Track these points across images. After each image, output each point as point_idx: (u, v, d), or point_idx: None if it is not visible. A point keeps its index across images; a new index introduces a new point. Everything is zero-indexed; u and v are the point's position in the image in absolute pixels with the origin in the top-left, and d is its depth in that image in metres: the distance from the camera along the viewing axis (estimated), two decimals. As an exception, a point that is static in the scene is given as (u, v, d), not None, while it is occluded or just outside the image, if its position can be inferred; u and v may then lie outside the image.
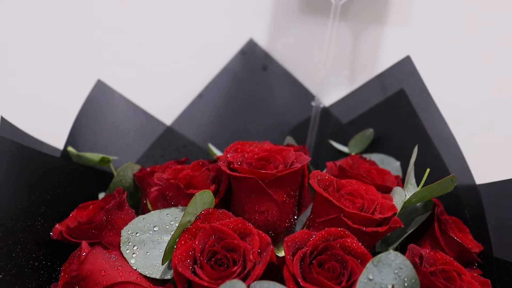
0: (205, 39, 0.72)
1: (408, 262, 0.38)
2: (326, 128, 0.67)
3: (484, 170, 0.57)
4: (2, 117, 0.53)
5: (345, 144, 0.63)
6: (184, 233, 0.43)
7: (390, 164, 0.59)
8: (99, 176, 0.58)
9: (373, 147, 0.63)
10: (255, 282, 0.38)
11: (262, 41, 0.75)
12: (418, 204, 0.52)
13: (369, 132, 0.63)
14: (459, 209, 0.55)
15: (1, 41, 0.70)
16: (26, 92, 0.67)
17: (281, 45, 0.75)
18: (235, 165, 0.48)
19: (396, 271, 0.38)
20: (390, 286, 0.38)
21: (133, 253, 0.47)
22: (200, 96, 0.71)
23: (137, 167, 0.57)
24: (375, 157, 0.60)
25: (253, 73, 0.73)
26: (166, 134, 0.68)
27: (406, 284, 0.38)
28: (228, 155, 0.50)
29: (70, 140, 0.60)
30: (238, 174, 0.47)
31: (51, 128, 0.62)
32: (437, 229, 0.51)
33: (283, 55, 0.76)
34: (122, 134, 0.65)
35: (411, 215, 0.52)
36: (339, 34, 0.70)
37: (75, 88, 0.66)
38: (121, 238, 0.48)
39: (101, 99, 0.66)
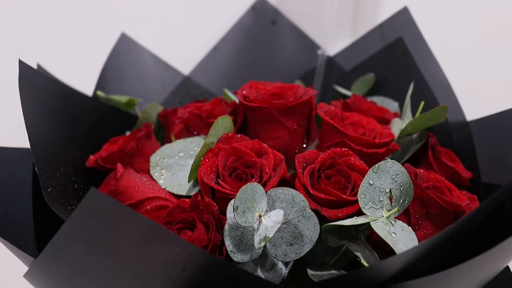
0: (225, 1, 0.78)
1: (403, 169, 0.44)
2: (330, 75, 0.72)
3: (475, 109, 0.62)
4: (38, 64, 0.58)
5: (348, 89, 0.69)
6: (208, 152, 0.49)
7: (389, 105, 0.64)
8: (126, 118, 0.64)
9: (373, 90, 0.67)
10: (271, 189, 0.44)
11: None
12: (414, 136, 0.57)
13: (370, 76, 0.67)
14: (452, 144, 0.60)
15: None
16: (58, 46, 0.72)
17: (289, 1, 0.79)
18: (251, 98, 0.53)
19: (393, 177, 0.44)
20: (388, 189, 0.44)
21: (161, 175, 0.52)
22: (215, 49, 0.76)
23: (160, 108, 0.62)
24: (375, 98, 0.65)
25: (263, 28, 0.78)
26: (184, 83, 0.73)
27: (401, 188, 0.44)
28: (244, 91, 0.55)
29: (98, 88, 0.66)
30: (253, 105, 0.52)
31: (81, 79, 0.68)
32: (431, 155, 0.56)
33: (291, 11, 0.80)
34: (144, 83, 0.71)
35: (408, 145, 0.57)
36: None
37: (101, 42, 0.71)
38: (150, 163, 0.53)
39: (124, 51, 0.71)
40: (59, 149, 0.52)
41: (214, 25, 0.77)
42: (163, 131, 0.61)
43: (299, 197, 0.43)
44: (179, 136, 0.56)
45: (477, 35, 0.70)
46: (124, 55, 0.70)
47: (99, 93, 0.62)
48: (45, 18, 0.76)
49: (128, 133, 0.62)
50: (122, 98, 0.62)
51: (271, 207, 0.43)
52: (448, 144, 0.59)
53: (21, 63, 0.50)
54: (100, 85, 0.65)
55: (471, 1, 0.70)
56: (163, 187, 0.50)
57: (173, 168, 0.52)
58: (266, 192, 0.43)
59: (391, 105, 0.64)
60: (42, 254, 0.38)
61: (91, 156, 0.56)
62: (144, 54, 0.71)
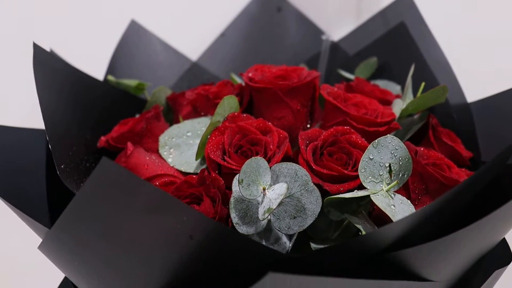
0: None
1: (402, 144, 0.45)
2: (335, 60, 0.73)
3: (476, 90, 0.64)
4: (34, 43, 0.59)
5: (352, 73, 0.70)
6: (214, 131, 0.50)
7: (392, 88, 0.65)
8: (136, 102, 0.65)
9: (376, 74, 0.68)
10: (275, 165, 0.45)
11: None
12: (415, 116, 0.58)
13: (373, 60, 0.68)
14: (453, 125, 0.61)
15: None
16: (69, 32, 0.74)
17: None
18: (256, 80, 0.55)
19: (392, 152, 0.45)
20: (387, 164, 0.45)
21: (170, 154, 0.54)
22: (222, 35, 0.77)
23: (169, 91, 0.63)
24: (378, 82, 0.66)
25: (269, 14, 0.79)
26: (192, 68, 0.74)
27: (401, 163, 0.45)
28: (250, 74, 0.56)
29: (109, 72, 0.68)
30: (259, 86, 0.54)
31: (92, 64, 0.69)
32: (431, 135, 0.57)
33: None
34: (153, 68, 0.72)
35: (409, 125, 0.58)
36: None
37: (110, 28, 0.73)
38: (159, 143, 0.55)
39: (134, 37, 0.72)
40: (72, 130, 0.54)
41: (221, 12, 0.77)
42: (172, 114, 0.63)
43: (302, 172, 0.44)
44: (187, 118, 0.58)
45: (479, 18, 0.71)
46: (134, 41, 0.71)
47: (110, 77, 0.64)
48: (57, 6, 0.78)
49: (138, 115, 0.64)
50: (132, 82, 0.64)
51: (275, 181, 0.44)
52: (449, 125, 0.60)
53: (35, 47, 0.52)
54: (110, 70, 0.67)
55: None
56: (171, 165, 0.52)
57: (181, 147, 0.53)
58: (270, 168, 0.45)
59: (394, 88, 0.65)
60: (57, 223, 0.40)
61: (102, 137, 0.57)
62: (153, 40, 0.73)
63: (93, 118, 0.58)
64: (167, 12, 0.77)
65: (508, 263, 0.48)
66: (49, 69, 0.53)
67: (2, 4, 0.79)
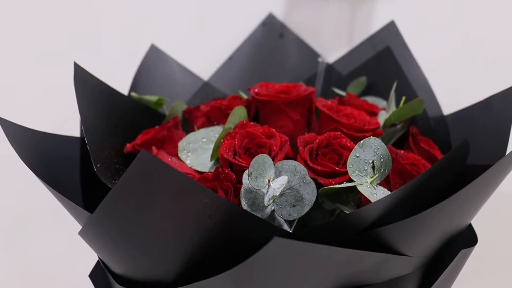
0: (236, 15, 0.87)
1: (383, 144, 0.53)
2: (329, 79, 0.81)
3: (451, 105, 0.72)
4: (75, 63, 0.67)
5: (344, 91, 0.79)
6: (227, 135, 0.59)
7: (378, 103, 0.73)
8: (156, 116, 0.74)
9: (366, 91, 0.77)
10: (277, 162, 0.54)
11: (279, 15, 0.88)
12: (397, 126, 0.67)
13: (363, 79, 0.76)
14: (431, 135, 0.70)
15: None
16: (95, 55, 0.83)
17: (294, 18, 0.89)
18: (261, 94, 0.64)
19: (375, 150, 0.53)
20: (371, 161, 0.53)
21: (188, 157, 0.62)
22: (231, 58, 0.85)
23: (185, 106, 0.72)
24: (367, 98, 0.74)
25: (272, 40, 0.86)
26: (204, 87, 0.82)
27: (382, 160, 0.53)
28: (256, 89, 0.65)
29: (132, 90, 0.76)
30: (264, 99, 0.63)
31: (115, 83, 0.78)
32: (411, 141, 0.65)
33: (296, 25, 0.87)
34: (170, 86, 0.80)
35: (392, 134, 0.66)
36: (339, 8, 0.84)
37: (132, 51, 0.82)
38: (178, 148, 0.63)
39: (154, 59, 0.81)
40: (104, 136, 0.62)
41: (230, 38, 0.85)
42: (187, 125, 0.71)
43: (300, 167, 0.53)
44: (201, 127, 0.66)
45: (452, 41, 0.80)
46: (153, 63, 0.80)
47: (133, 94, 0.73)
48: (85, 31, 0.87)
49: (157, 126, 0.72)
50: (152, 98, 0.72)
51: (277, 175, 0.53)
52: (428, 134, 0.69)
53: (76, 65, 0.61)
54: (133, 87, 0.75)
55: (447, 15, 0.81)
56: (189, 166, 0.60)
57: (198, 151, 0.62)
58: (274, 165, 0.53)
59: (381, 103, 0.74)
60: (99, 208, 0.48)
61: (128, 144, 0.66)
62: (170, 62, 0.81)
63: (121, 128, 0.66)
64: (184, 38, 0.86)
65: (474, 245, 0.56)
66: (87, 85, 0.62)
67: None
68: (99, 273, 0.61)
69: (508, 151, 0.56)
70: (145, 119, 0.72)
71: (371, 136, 0.53)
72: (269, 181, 0.51)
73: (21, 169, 0.65)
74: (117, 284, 0.55)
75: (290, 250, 0.43)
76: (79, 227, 0.54)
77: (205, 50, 0.86)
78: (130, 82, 0.76)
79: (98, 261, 0.61)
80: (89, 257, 0.62)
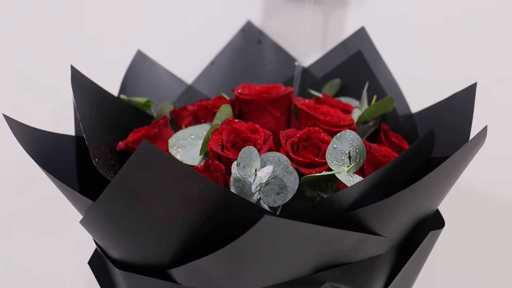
0: (216, 23, 0.92)
1: (358, 136, 0.58)
2: (305, 82, 0.85)
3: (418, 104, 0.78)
4: (71, 66, 0.71)
5: (320, 92, 0.84)
6: (214, 131, 0.63)
7: (352, 103, 0.79)
8: (144, 116, 0.78)
9: (339, 93, 0.81)
10: (263, 154, 0.58)
11: (257, 22, 0.93)
12: (370, 123, 0.72)
13: (337, 81, 0.81)
14: (400, 131, 0.75)
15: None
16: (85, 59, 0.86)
17: (271, 25, 0.93)
18: (245, 94, 0.68)
19: (350, 142, 0.58)
20: (347, 151, 0.58)
21: (178, 153, 0.66)
22: (212, 63, 0.89)
23: (172, 107, 0.76)
24: (341, 98, 0.79)
25: (251, 46, 0.91)
26: (188, 90, 0.86)
27: (357, 151, 0.58)
28: (239, 90, 0.70)
29: (121, 92, 0.80)
30: (247, 98, 0.67)
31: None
32: (383, 136, 0.70)
33: (273, 32, 0.92)
34: (156, 89, 0.84)
35: (366, 130, 0.71)
36: (313, 15, 0.88)
37: (120, 57, 0.86)
38: (168, 144, 0.67)
39: (140, 64, 0.84)
40: (100, 134, 0.66)
41: (211, 44, 0.90)
42: (175, 126, 0.76)
43: (284, 158, 0.57)
44: (189, 126, 0.71)
45: (417, 44, 0.87)
46: (140, 68, 0.83)
47: (122, 96, 0.77)
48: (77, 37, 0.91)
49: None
50: (141, 100, 0.76)
51: (263, 166, 0.57)
52: (397, 131, 0.74)
53: (72, 68, 0.65)
54: (122, 90, 0.79)
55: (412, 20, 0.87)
56: (179, 160, 0.65)
57: (187, 147, 0.66)
58: (259, 156, 0.58)
59: (354, 103, 0.79)
60: (101, 196, 0.52)
61: (120, 142, 0.70)
62: (156, 67, 0.84)
63: (114, 127, 0.70)
64: (168, 44, 0.90)
65: (442, 227, 0.61)
66: (83, 87, 0.66)
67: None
68: (97, 260, 0.64)
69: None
70: (135, 120, 0.76)
71: (347, 129, 0.58)
72: (255, 170, 0.56)
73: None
74: (116, 269, 0.59)
75: (278, 229, 0.48)
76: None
77: (188, 55, 0.90)
78: (119, 86, 0.80)
79: (96, 249, 0.64)
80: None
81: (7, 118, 0.59)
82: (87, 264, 0.64)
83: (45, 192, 0.94)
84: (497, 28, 0.90)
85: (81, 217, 0.58)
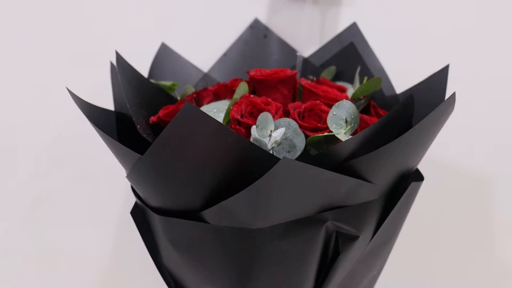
0: (229, 20, 1.01)
1: (353, 105, 0.71)
2: (306, 70, 0.95)
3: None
4: (116, 52, 0.82)
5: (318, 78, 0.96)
6: (235, 104, 0.75)
7: (346, 86, 0.92)
8: (168, 97, 0.90)
9: (335, 78, 0.92)
10: (276, 120, 0.71)
11: (263, 19, 1.02)
12: (362, 101, 0.85)
13: (332, 68, 0.91)
14: (387, 108, 0.87)
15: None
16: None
17: (276, 22, 1.02)
18: (258, 75, 0.81)
19: (347, 110, 0.71)
20: (344, 117, 0.71)
21: (203, 123, 0.79)
22: (225, 54, 0.99)
23: (193, 89, 0.89)
24: (337, 83, 0.92)
25: (258, 40, 1.00)
26: (204, 78, 0.96)
27: (352, 116, 0.70)
28: (252, 73, 0.82)
29: (149, 77, 0.92)
30: (260, 78, 0.79)
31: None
32: (372, 110, 0.82)
33: (277, 28, 1.01)
34: (177, 76, 0.94)
35: (358, 106, 0.84)
36: (312, 13, 0.99)
37: (148, 49, 0.98)
38: (194, 117, 0.80)
39: (164, 54, 0.96)
40: (138, 108, 0.78)
41: (224, 39, 1.00)
42: (197, 104, 0.87)
43: (293, 122, 0.69)
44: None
45: (401, 37, 1.00)
46: (163, 57, 0.94)
47: (151, 80, 0.89)
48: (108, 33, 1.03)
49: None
50: (167, 83, 0.88)
51: (276, 129, 0.70)
52: (384, 108, 0.87)
53: (117, 54, 0.77)
54: (150, 75, 0.92)
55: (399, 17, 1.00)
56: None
57: (211, 118, 0.78)
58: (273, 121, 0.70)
59: (348, 86, 0.91)
60: (148, 151, 0.63)
61: (152, 117, 0.81)
62: (177, 57, 0.95)
63: (146, 104, 0.82)
64: (187, 38, 1.01)
65: (422, 180, 0.74)
66: (125, 70, 0.79)
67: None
68: (137, 211, 0.76)
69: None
70: (162, 99, 0.87)
71: (344, 99, 0.71)
72: (271, 131, 0.68)
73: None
74: (155, 215, 0.71)
75: (291, 171, 0.60)
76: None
77: (204, 48, 1.01)
78: (147, 72, 0.92)
79: (135, 202, 0.76)
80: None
81: (71, 93, 0.71)
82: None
83: (71, 174, 1.07)
84: (478, 24, 1.03)
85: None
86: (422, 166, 0.77)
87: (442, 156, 1.02)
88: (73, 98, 0.70)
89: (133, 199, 0.77)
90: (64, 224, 1.13)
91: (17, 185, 1.11)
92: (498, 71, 1.03)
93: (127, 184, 0.75)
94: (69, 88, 0.71)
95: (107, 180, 1.09)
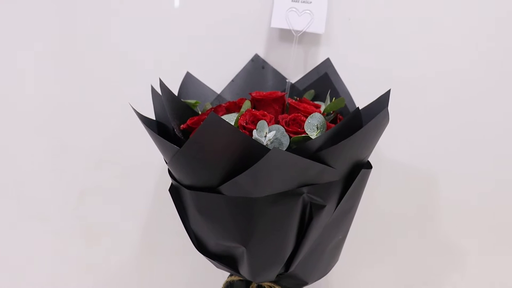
0: (236, 55, 1.23)
1: (322, 116, 1.03)
2: (292, 93, 1.16)
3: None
4: (160, 79, 1.14)
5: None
6: (241, 115, 1.07)
7: (322, 104, 1.24)
8: (193, 112, 1.21)
9: (313, 99, 1.18)
10: (270, 126, 1.02)
11: (262, 55, 1.22)
12: (331, 115, 1.16)
13: (312, 91, 1.12)
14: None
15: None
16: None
17: (271, 57, 1.23)
18: (257, 95, 1.13)
19: (317, 119, 1.02)
20: (316, 124, 1.03)
21: (219, 129, 1.10)
22: (233, 80, 1.20)
23: (210, 106, 1.21)
24: (315, 102, 1.24)
25: (257, 70, 1.21)
26: (217, 98, 1.18)
27: (321, 124, 1.02)
28: (253, 94, 1.14)
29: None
30: (259, 97, 1.11)
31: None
32: (338, 121, 1.15)
33: (272, 61, 1.22)
34: (197, 96, 1.25)
35: (328, 119, 1.16)
36: (297, 51, 1.19)
37: (176, 76, 1.28)
38: (213, 125, 1.11)
39: (188, 81, 1.20)
40: (173, 118, 1.10)
41: (232, 69, 1.22)
42: (213, 117, 1.19)
43: (281, 128, 1.00)
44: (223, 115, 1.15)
45: (364, 66, 1.32)
46: (188, 83, 1.23)
47: (182, 99, 1.21)
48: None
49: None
50: (192, 101, 1.20)
51: (269, 131, 1.02)
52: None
53: (160, 81, 1.09)
54: (178, 96, 1.23)
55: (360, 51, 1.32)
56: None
57: (224, 126, 1.10)
58: (268, 126, 1.02)
59: (322, 104, 1.24)
60: (185, 144, 0.94)
61: (182, 125, 1.13)
62: (198, 82, 1.17)
63: (178, 115, 1.14)
64: (206, 70, 1.30)
65: (370, 168, 1.06)
66: (166, 92, 1.10)
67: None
68: (173, 189, 1.07)
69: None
70: (188, 113, 1.18)
71: (315, 112, 1.03)
72: (266, 133, 1.00)
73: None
74: (187, 190, 1.02)
75: (279, 158, 0.91)
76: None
77: (218, 76, 1.24)
78: (176, 93, 1.24)
79: (171, 183, 1.08)
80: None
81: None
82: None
83: (114, 169, 1.37)
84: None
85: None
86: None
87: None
88: (135, 112, 1.02)
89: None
90: (108, 210, 1.44)
91: (71, 178, 1.41)
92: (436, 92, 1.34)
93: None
94: (132, 105, 1.03)
95: (142, 173, 1.40)
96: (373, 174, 1.07)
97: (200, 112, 1.18)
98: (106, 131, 1.33)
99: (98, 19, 1.28)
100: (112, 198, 1.37)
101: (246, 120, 1.04)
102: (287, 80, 1.22)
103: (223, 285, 1.19)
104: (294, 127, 1.03)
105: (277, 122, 1.05)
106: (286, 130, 1.01)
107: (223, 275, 1.25)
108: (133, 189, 1.40)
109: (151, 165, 1.34)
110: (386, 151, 1.23)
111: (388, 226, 1.37)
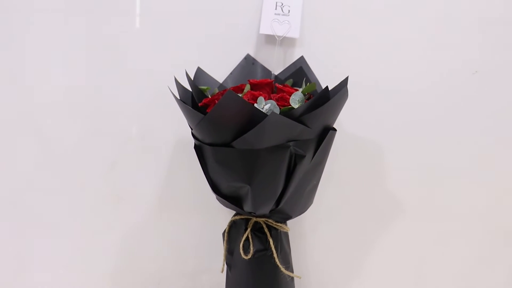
0: (232, 55, 1.52)
1: (301, 94, 1.45)
2: (276, 82, 1.41)
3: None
4: (175, 78, 1.55)
5: (283, 86, 1.67)
6: (244, 95, 1.48)
7: (299, 90, 1.66)
8: (204, 95, 1.62)
9: (293, 86, 1.67)
10: (266, 100, 1.44)
11: (252, 54, 1.46)
12: (306, 95, 1.59)
13: (291, 80, 1.36)
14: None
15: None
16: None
17: (259, 55, 1.48)
18: (254, 81, 1.55)
19: (298, 96, 1.41)
20: (297, 98, 1.45)
21: (227, 105, 1.51)
22: (231, 73, 1.44)
23: (218, 90, 1.62)
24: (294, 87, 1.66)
25: (249, 65, 1.46)
26: (220, 86, 1.43)
27: (301, 99, 1.43)
28: (251, 80, 1.56)
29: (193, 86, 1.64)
30: (255, 83, 1.52)
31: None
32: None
33: (260, 59, 1.47)
34: (205, 85, 1.65)
35: (304, 97, 1.58)
36: (279, 51, 1.44)
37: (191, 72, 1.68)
38: (222, 102, 1.52)
39: (199, 74, 1.45)
40: (194, 98, 1.51)
41: (230, 65, 1.49)
42: (220, 98, 1.59)
43: (273, 102, 1.42)
44: (228, 97, 1.56)
45: (333, 61, 1.75)
46: (199, 75, 1.53)
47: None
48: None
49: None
50: (204, 87, 1.59)
51: (266, 104, 1.43)
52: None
53: (187, 74, 1.50)
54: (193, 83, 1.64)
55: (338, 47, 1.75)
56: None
57: (231, 103, 1.50)
58: (264, 100, 1.44)
59: (299, 89, 1.65)
60: (208, 114, 1.34)
61: (199, 103, 1.53)
62: (206, 74, 1.42)
63: (196, 98, 1.55)
64: (212, 65, 1.66)
65: (335, 131, 1.48)
66: (190, 81, 1.50)
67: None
68: (197, 148, 1.45)
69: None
70: (202, 95, 1.59)
71: (297, 91, 1.46)
72: (263, 106, 1.42)
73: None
74: (208, 146, 1.40)
75: (275, 120, 1.33)
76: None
77: (220, 70, 1.52)
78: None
79: (195, 143, 1.48)
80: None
81: (177, 81, 1.44)
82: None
83: (139, 143, 1.72)
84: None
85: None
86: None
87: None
88: (177, 84, 1.42)
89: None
90: (132, 178, 1.76)
91: (101, 152, 1.75)
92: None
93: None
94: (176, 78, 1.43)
95: (163, 148, 1.76)
96: (336, 138, 1.49)
97: (209, 96, 1.59)
98: (131, 112, 1.66)
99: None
100: (138, 167, 1.69)
101: (248, 98, 1.45)
102: (272, 73, 1.49)
103: (228, 223, 1.59)
104: (282, 102, 1.45)
105: (270, 99, 1.47)
106: (277, 104, 1.43)
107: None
108: (153, 159, 1.76)
109: (168, 139, 1.70)
110: (346, 122, 1.66)
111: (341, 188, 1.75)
